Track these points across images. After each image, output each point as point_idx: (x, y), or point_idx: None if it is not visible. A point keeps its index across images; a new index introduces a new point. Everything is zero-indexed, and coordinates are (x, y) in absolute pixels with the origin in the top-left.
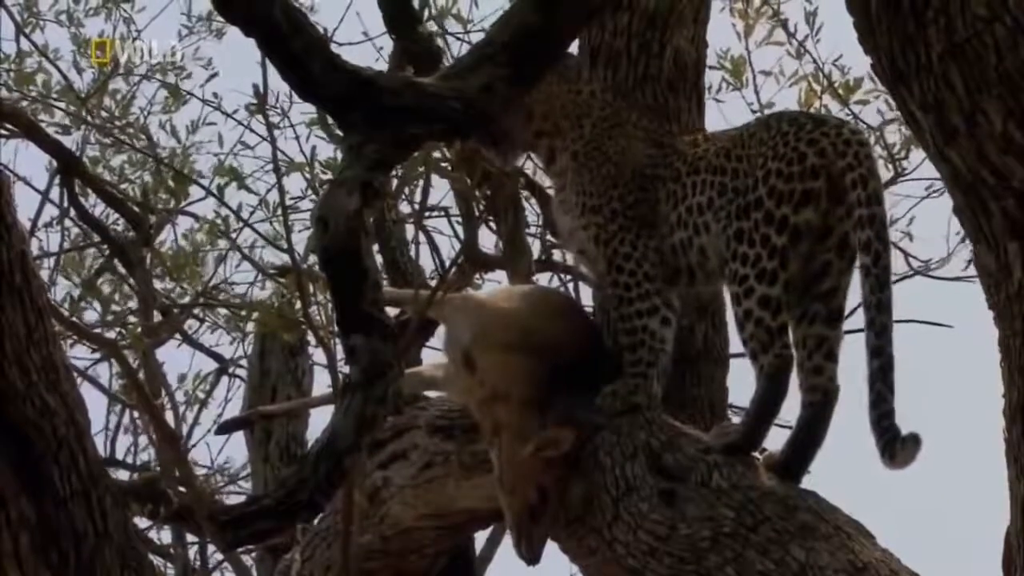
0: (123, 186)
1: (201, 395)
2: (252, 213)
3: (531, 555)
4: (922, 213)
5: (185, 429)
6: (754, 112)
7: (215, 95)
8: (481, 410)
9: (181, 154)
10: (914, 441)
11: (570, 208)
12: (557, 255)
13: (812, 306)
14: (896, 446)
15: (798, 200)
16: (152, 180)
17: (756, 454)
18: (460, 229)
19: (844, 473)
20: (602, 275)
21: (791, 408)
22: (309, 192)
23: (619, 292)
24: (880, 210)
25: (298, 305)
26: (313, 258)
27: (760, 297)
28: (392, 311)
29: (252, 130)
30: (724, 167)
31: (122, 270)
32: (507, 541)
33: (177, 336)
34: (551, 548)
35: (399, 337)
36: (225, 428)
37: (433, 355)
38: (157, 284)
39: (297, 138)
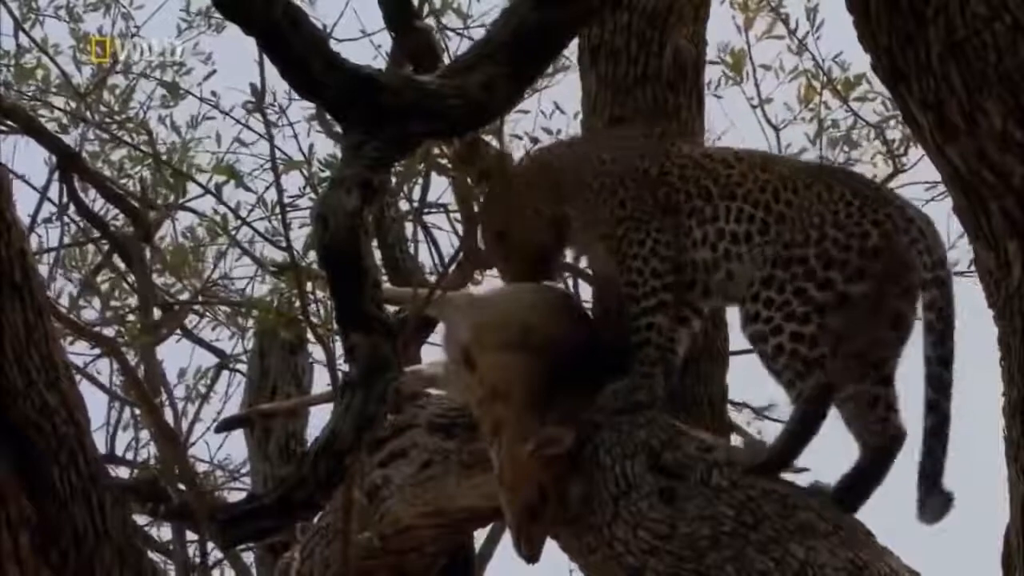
0: (123, 181)
1: (202, 390)
2: (251, 211)
3: (530, 554)
4: (926, 208)
5: (185, 425)
6: (754, 107)
7: (213, 93)
8: (481, 408)
9: (181, 149)
10: (948, 501)
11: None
12: None
13: (864, 369)
14: (931, 503)
15: (852, 273)
16: (152, 176)
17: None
18: (459, 226)
19: (842, 472)
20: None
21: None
22: (307, 190)
23: (627, 291)
24: (945, 272)
25: (297, 303)
26: (313, 255)
27: (792, 333)
28: (391, 309)
29: (250, 128)
30: (769, 205)
31: (122, 266)
32: (507, 539)
33: (177, 331)
34: (551, 546)
35: (399, 335)
36: (224, 426)
37: (433, 353)
38: (157, 280)
39: (296, 136)
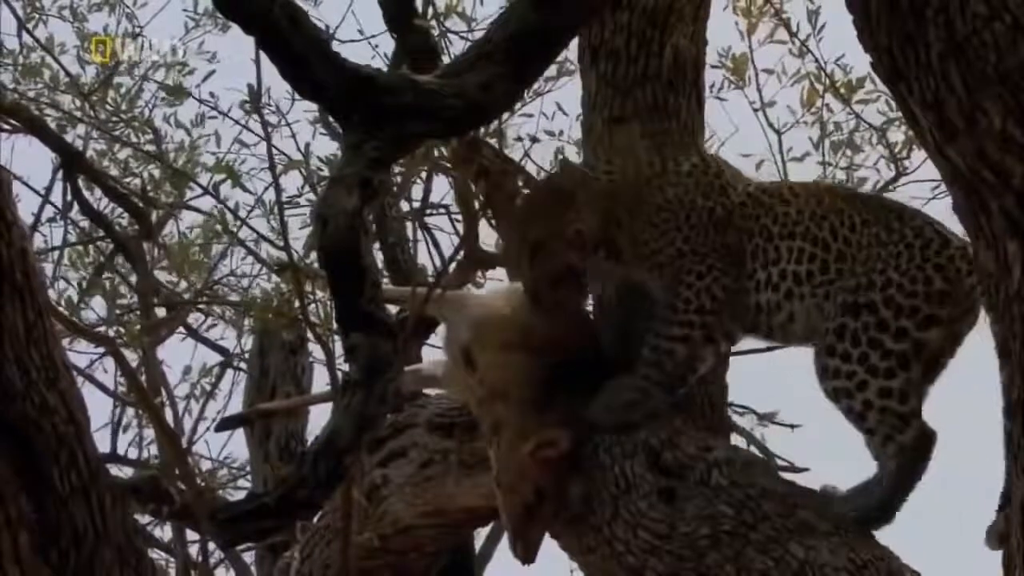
0: (128, 180)
1: (207, 387)
2: (251, 211)
3: (525, 555)
4: (927, 211)
5: (189, 423)
6: (756, 111)
7: (212, 94)
8: (481, 408)
9: (188, 147)
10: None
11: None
12: None
13: None
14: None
15: (922, 322)
16: (158, 174)
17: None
18: (460, 226)
19: (844, 472)
20: None
21: (789, 410)
22: (306, 189)
23: (667, 310)
24: None
25: (297, 303)
26: (313, 255)
27: (880, 389)
28: (391, 309)
29: (249, 129)
30: (828, 244)
31: (125, 265)
32: (506, 539)
33: (180, 330)
34: (551, 545)
35: (399, 335)
36: (225, 425)
37: (433, 353)
38: (161, 277)
39: (294, 136)
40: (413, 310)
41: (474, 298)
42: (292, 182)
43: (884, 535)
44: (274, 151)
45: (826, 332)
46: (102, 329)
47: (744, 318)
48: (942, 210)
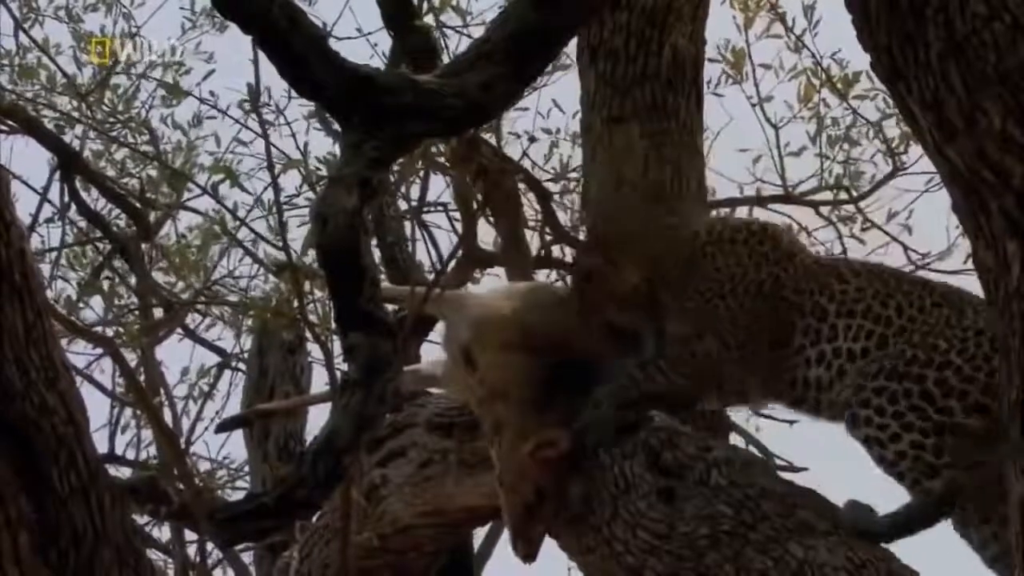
0: (125, 181)
1: (205, 388)
2: (249, 211)
3: (527, 553)
4: (923, 206)
5: (187, 424)
6: (753, 105)
7: (212, 93)
8: (481, 408)
9: (185, 148)
10: None
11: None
12: (556, 251)
13: None
14: None
15: (970, 406)
16: (156, 175)
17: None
18: (459, 225)
19: (842, 472)
20: None
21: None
22: (304, 189)
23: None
24: None
25: (296, 303)
26: (312, 254)
27: (912, 442)
28: (390, 308)
29: (248, 127)
30: (891, 320)
31: (124, 265)
32: (506, 538)
33: (179, 331)
34: (550, 545)
35: (398, 334)
36: (224, 427)
37: (432, 352)
38: (160, 278)
39: (293, 135)
40: (412, 309)
41: (473, 298)
42: (291, 182)
43: None
44: (273, 150)
45: (861, 388)
46: (100, 329)
47: (782, 392)
48: (941, 203)
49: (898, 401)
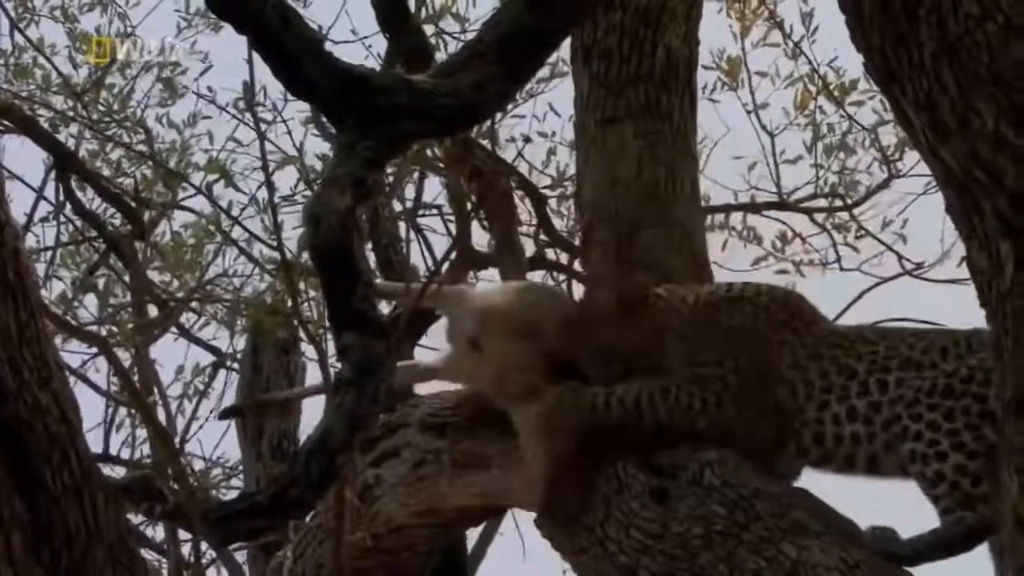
0: (120, 180)
1: (199, 387)
2: (243, 210)
3: (566, 509)
4: (917, 215)
5: (182, 423)
6: (748, 112)
7: (209, 88)
8: (503, 382)
9: (180, 148)
10: None
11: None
12: (550, 253)
13: None
14: None
15: None
16: (151, 174)
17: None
18: (453, 227)
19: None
20: None
21: None
22: (300, 187)
23: (681, 398)
24: None
25: (290, 303)
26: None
27: (956, 465)
28: (385, 307)
29: (246, 123)
30: (936, 363)
31: (118, 265)
32: (499, 539)
33: (173, 330)
34: (543, 546)
35: (391, 334)
36: (227, 414)
37: (426, 351)
38: (155, 277)
39: (289, 133)
40: (407, 306)
41: (474, 292)
42: (286, 181)
43: None
44: (268, 149)
45: (916, 403)
46: (94, 328)
47: (807, 450)
48: (936, 210)
49: (955, 418)
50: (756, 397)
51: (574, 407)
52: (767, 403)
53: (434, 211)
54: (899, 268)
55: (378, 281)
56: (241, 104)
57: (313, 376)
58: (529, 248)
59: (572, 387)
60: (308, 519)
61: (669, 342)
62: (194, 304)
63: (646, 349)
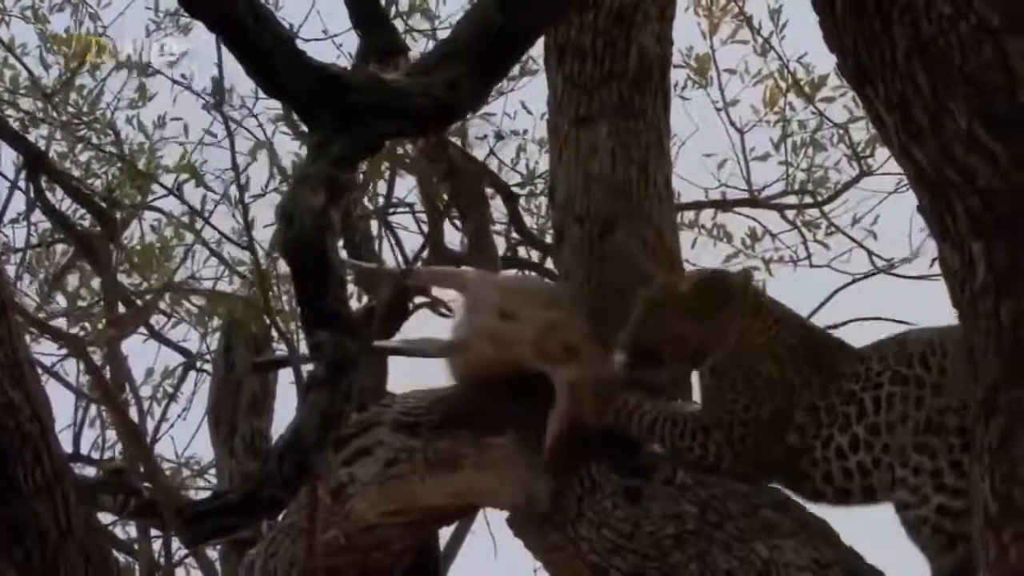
0: (90, 181)
1: (169, 389)
2: (215, 208)
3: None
4: (888, 212)
5: (152, 424)
6: (718, 110)
7: (184, 76)
8: (536, 346)
9: (148, 150)
10: None
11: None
12: (522, 252)
13: None
14: None
15: None
16: (120, 175)
17: None
18: (425, 225)
19: None
20: None
21: None
22: (276, 181)
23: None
24: None
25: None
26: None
27: (939, 506)
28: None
29: (219, 113)
30: (922, 379)
31: (88, 267)
32: (471, 539)
33: (143, 331)
34: (516, 545)
35: (363, 333)
36: (261, 367)
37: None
38: (124, 279)
39: (262, 127)
40: (386, 291)
41: (479, 273)
42: (257, 177)
43: (849, 536)
44: (239, 149)
45: (905, 447)
46: (64, 323)
47: (823, 493)
48: (907, 207)
49: (937, 456)
50: (768, 448)
51: (599, 406)
52: (779, 452)
53: (406, 209)
54: (869, 265)
55: (352, 261)
56: (211, 102)
57: (285, 374)
58: (501, 246)
59: (612, 382)
60: (280, 517)
61: (728, 360)
62: (164, 305)
63: (709, 347)
